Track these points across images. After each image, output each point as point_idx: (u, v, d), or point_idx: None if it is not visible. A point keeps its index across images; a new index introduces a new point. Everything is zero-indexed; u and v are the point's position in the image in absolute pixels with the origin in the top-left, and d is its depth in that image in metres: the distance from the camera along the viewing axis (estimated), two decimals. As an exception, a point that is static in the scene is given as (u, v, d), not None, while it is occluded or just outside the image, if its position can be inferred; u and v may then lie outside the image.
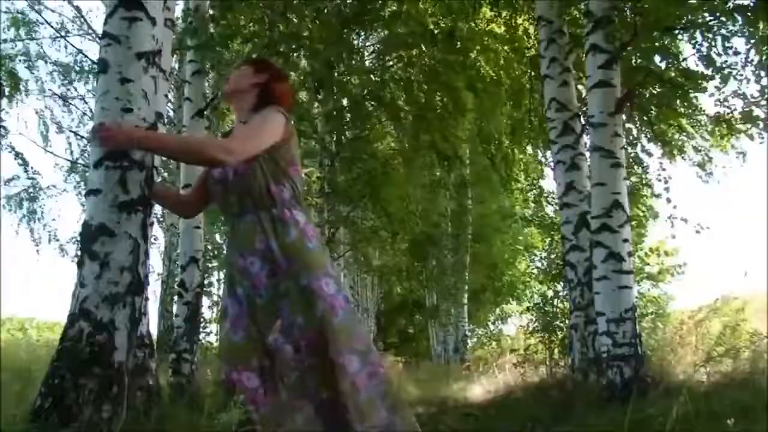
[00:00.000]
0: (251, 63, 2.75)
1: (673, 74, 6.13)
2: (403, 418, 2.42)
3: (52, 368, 2.26)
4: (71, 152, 12.87)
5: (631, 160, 8.07)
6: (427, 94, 9.15)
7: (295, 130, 2.59)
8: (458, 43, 8.49)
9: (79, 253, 2.44)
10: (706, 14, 5.45)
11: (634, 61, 5.97)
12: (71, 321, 2.32)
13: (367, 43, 10.63)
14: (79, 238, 2.54)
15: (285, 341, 2.33)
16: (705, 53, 5.51)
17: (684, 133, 8.38)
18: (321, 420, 2.34)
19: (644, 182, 8.68)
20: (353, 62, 8.92)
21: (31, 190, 11.81)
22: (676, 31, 5.79)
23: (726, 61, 5.54)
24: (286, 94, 2.67)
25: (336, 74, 8.83)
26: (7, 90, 10.05)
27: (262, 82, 2.59)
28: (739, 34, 5.40)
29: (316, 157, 9.94)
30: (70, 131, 12.44)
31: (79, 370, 2.22)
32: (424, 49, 8.56)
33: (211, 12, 6.50)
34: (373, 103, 9.60)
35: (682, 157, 8.60)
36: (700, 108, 7.48)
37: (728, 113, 6.80)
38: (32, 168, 11.38)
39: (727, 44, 5.43)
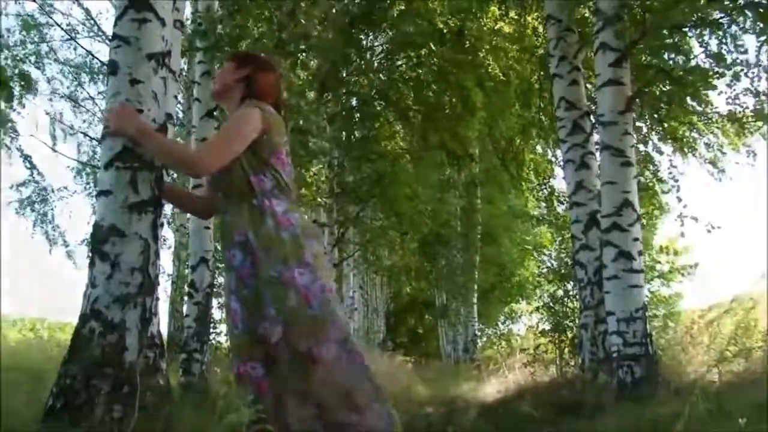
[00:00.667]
0: (234, 58, 2.75)
1: (683, 72, 6.10)
2: (387, 411, 2.41)
3: (64, 368, 2.27)
4: (80, 153, 12.95)
5: (641, 157, 8.03)
6: (436, 93, 9.14)
7: (278, 119, 2.58)
8: (467, 42, 8.47)
9: (90, 254, 2.45)
10: (715, 12, 5.42)
11: (643, 59, 5.94)
12: (82, 321, 2.33)
13: (376, 43, 10.64)
14: (89, 239, 2.55)
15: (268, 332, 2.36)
16: (714, 51, 5.48)
17: (695, 130, 8.32)
18: (318, 420, 2.34)
19: (658, 178, 8.63)
20: (362, 62, 8.92)
21: (43, 192, 11.89)
22: (686, 29, 5.75)
23: (737, 58, 5.51)
24: (270, 86, 2.65)
25: (344, 74, 8.84)
26: (16, 91, 10.11)
27: (244, 76, 2.61)
28: (750, 31, 5.36)
29: (326, 157, 9.96)
30: (81, 132, 12.52)
31: (90, 370, 2.23)
32: (432, 48, 8.54)
33: (219, 12, 6.51)
34: (381, 102, 9.61)
35: (693, 155, 8.54)
36: (712, 105, 7.43)
37: (740, 111, 6.75)
38: (37, 171, 11.47)
39: (738, 42, 5.40)
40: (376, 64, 9.85)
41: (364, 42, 9.75)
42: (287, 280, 2.35)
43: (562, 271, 8.72)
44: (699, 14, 5.44)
